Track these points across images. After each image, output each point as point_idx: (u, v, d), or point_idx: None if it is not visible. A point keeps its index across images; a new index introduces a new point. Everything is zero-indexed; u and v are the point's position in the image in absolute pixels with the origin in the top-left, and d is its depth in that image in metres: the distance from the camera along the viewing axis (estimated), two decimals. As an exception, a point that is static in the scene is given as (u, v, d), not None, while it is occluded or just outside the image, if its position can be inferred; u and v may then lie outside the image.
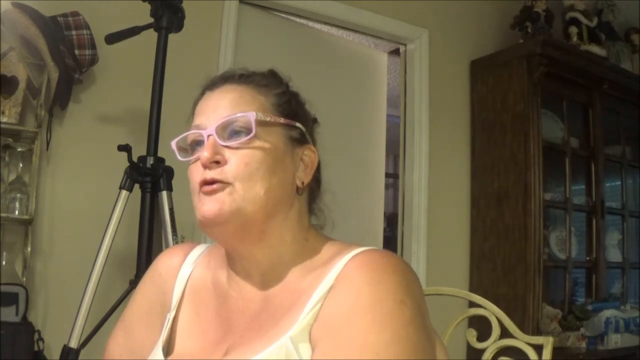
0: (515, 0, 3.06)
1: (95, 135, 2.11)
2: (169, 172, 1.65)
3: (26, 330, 1.76)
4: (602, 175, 3.09)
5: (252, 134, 0.79)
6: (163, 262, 0.95)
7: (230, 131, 0.80)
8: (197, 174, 0.80)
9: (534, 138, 2.75)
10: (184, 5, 1.70)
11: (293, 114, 0.86)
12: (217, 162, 0.79)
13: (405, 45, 2.99)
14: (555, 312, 2.69)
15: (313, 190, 0.89)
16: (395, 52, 3.10)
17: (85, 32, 1.99)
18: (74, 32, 1.98)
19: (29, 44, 1.92)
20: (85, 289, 1.55)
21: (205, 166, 0.79)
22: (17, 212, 1.88)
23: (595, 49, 3.03)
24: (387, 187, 3.69)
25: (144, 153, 1.65)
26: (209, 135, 0.80)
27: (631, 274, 3.23)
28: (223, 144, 0.79)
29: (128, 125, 2.11)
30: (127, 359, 0.92)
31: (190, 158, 0.83)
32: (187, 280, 0.91)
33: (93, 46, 2.00)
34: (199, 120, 0.84)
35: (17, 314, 1.76)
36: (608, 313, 2.77)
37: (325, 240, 0.87)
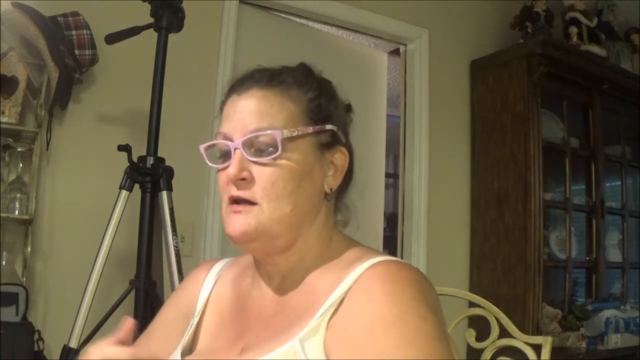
0: (515, 0, 3.06)
1: (95, 135, 2.11)
2: (169, 172, 1.65)
3: (26, 330, 1.76)
4: (602, 175, 3.09)
5: (278, 153, 0.77)
6: (189, 279, 0.98)
7: (257, 146, 0.79)
8: (225, 186, 0.80)
9: (534, 138, 2.75)
10: (184, 5, 1.70)
11: (325, 117, 0.83)
12: (244, 179, 0.78)
13: (405, 45, 2.99)
14: (555, 312, 2.69)
15: (341, 187, 0.87)
16: (395, 52, 3.10)
17: (85, 32, 1.99)
18: (74, 32, 1.98)
19: (29, 44, 1.92)
20: (85, 289, 1.55)
21: (233, 183, 0.79)
22: (17, 212, 1.88)
23: (595, 49, 3.03)
24: (387, 187, 3.70)
25: (144, 153, 1.65)
26: (235, 149, 0.79)
27: (631, 274, 3.22)
28: (250, 159, 0.79)
29: (128, 125, 2.11)
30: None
31: (218, 166, 0.83)
32: (210, 291, 0.93)
33: (93, 46, 2.00)
34: (225, 127, 0.82)
35: (17, 314, 1.76)
36: (608, 313, 2.77)
37: (349, 242, 0.86)
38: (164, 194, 1.63)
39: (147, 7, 1.67)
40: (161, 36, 1.68)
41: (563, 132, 3.00)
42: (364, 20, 2.80)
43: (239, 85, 0.84)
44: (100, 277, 1.56)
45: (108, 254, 1.58)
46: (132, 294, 1.58)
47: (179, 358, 0.84)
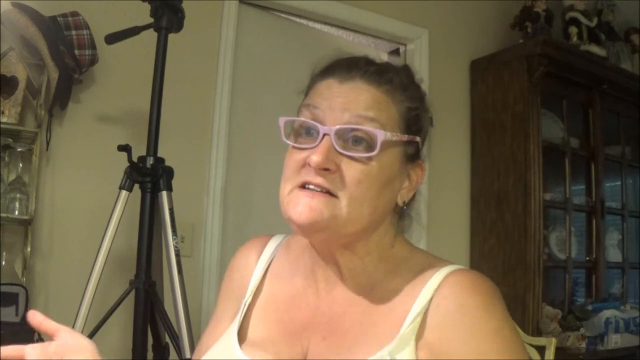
0: (515, 0, 3.06)
1: (95, 136, 2.11)
2: (169, 172, 1.65)
3: (26, 330, 1.75)
4: (602, 176, 3.09)
5: (374, 152, 0.73)
6: (240, 259, 0.92)
7: (350, 138, 0.74)
8: (299, 168, 0.74)
9: (533, 138, 2.75)
10: (184, 5, 1.69)
11: (417, 129, 0.81)
12: (327, 169, 0.72)
13: (405, 45, 2.99)
14: (555, 312, 2.69)
15: (409, 199, 0.84)
16: (395, 52, 3.09)
17: (85, 32, 1.99)
18: (73, 32, 1.97)
19: (28, 44, 1.92)
20: (85, 289, 1.55)
21: (315, 170, 0.72)
22: (16, 212, 1.88)
23: (595, 49, 3.03)
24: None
25: (143, 153, 1.65)
26: (325, 135, 0.73)
27: (631, 274, 3.22)
28: (339, 150, 0.73)
29: (128, 125, 2.11)
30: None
31: (295, 145, 0.76)
32: (265, 272, 0.88)
33: (93, 46, 2.00)
34: (316, 107, 0.76)
35: (17, 314, 1.76)
36: (608, 313, 2.77)
37: (412, 248, 0.84)
38: (164, 194, 1.62)
39: (146, 7, 1.67)
40: (161, 36, 1.67)
41: (563, 132, 3.00)
42: (364, 21, 2.80)
43: (341, 69, 0.79)
44: (100, 277, 1.56)
45: (108, 254, 1.57)
46: (132, 294, 1.58)
47: (235, 339, 0.80)
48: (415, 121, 0.80)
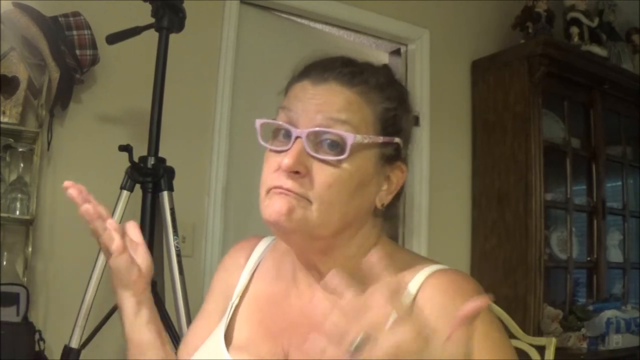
0: (517, 1, 3.06)
1: (96, 136, 2.11)
2: (170, 173, 1.65)
3: (27, 330, 1.76)
4: (603, 176, 3.09)
5: (344, 156, 0.72)
6: (230, 260, 0.94)
7: (322, 141, 0.74)
8: (272, 172, 0.74)
9: (535, 138, 2.75)
10: (185, 5, 1.70)
11: (396, 130, 0.79)
12: (298, 172, 0.73)
13: (406, 45, 2.99)
14: (556, 313, 2.68)
15: (392, 201, 0.83)
16: (396, 53, 3.09)
17: (86, 32, 1.99)
18: (75, 32, 1.97)
19: (29, 44, 1.92)
20: (86, 289, 1.55)
21: (285, 173, 0.73)
22: (18, 212, 1.88)
23: (596, 49, 3.03)
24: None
25: (144, 153, 1.65)
26: (297, 137, 0.74)
27: (632, 274, 3.22)
28: (310, 153, 0.73)
29: (129, 125, 2.11)
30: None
31: (270, 147, 0.77)
32: (252, 273, 0.89)
33: (94, 46, 2.00)
34: (291, 110, 0.76)
35: (18, 314, 1.76)
36: (609, 313, 2.76)
37: (395, 248, 0.84)
38: (165, 194, 1.62)
39: (148, 7, 1.67)
40: (162, 36, 1.68)
41: (564, 132, 2.99)
42: (365, 21, 2.80)
43: (316, 72, 0.79)
44: (101, 277, 1.56)
45: (109, 254, 1.57)
46: (133, 294, 1.58)
47: (222, 341, 0.81)
48: (392, 122, 0.79)
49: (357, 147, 0.74)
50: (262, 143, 0.78)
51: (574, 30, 3.03)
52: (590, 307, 2.81)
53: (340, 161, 0.73)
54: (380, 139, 0.76)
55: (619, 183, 3.28)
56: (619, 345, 2.75)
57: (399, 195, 0.84)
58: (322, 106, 0.74)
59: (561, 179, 2.97)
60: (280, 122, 0.76)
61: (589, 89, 3.05)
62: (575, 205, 2.98)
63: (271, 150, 0.77)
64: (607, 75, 3.04)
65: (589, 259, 3.06)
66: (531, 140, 2.74)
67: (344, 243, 0.78)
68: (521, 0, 3.02)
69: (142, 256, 0.87)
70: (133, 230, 0.90)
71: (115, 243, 0.83)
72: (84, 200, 0.85)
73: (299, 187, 0.73)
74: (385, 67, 0.84)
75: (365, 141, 0.74)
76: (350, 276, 0.78)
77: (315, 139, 0.74)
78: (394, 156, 0.79)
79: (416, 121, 0.86)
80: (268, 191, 0.75)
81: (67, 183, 0.85)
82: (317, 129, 0.73)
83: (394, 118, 0.79)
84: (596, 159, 3.08)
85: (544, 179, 2.74)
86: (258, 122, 0.79)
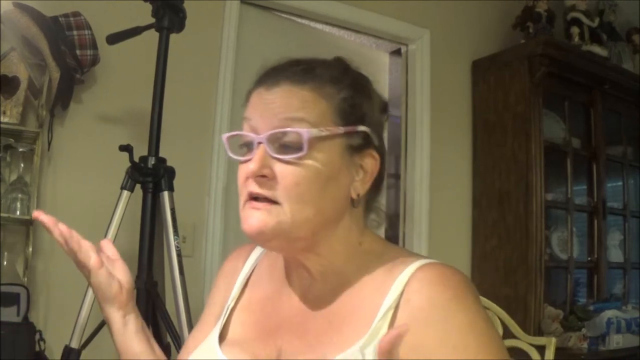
0: (517, 1, 3.06)
1: (97, 136, 2.11)
2: (171, 173, 1.65)
3: (27, 330, 1.75)
4: (603, 176, 3.09)
5: (302, 153, 0.73)
6: (228, 265, 0.96)
7: (282, 143, 0.75)
8: (244, 181, 0.76)
9: (535, 138, 2.75)
10: (186, 5, 1.70)
11: (358, 118, 0.79)
12: (265, 176, 0.74)
13: (406, 45, 2.99)
14: (557, 313, 2.68)
15: (372, 191, 0.83)
16: (396, 53, 3.09)
17: (86, 32, 1.99)
18: (75, 32, 1.98)
19: (30, 44, 1.92)
20: (87, 289, 1.54)
21: (253, 179, 0.75)
22: (18, 212, 1.88)
23: (596, 49, 3.03)
24: (388, 187, 3.69)
25: (145, 153, 1.65)
26: (258, 143, 0.75)
27: (632, 274, 3.22)
28: (273, 156, 0.75)
29: (129, 125, 2.11)
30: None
31: (239, 158, 0.79)
32: (248, 277, 0.91)
33: (94, 46, 2.00)
34: (250, 120, 0.78)
35: (18, 314, 1.76)
36: (609, 313, 2.76)
37: (382, 243, 0.84)
38: (165, 194, 1.62)
39: (148, 7, 1.67)
40: (162, 36, 1.68)
41: (564, 132, 2.99)
42: (365, 21, 2.80)
43: (268, 77, 0.79)
44: (101, 278, 1.56)
45: (109, 254, 1.57)
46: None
47: (216, 341, 0.83)
48: (352, 111, 0.79)
49: (316, 142, 0.75)
50: (232, 156, 0.80)
51: (575, 30, 3.03)
52: (591, 307, 2.81)
53: (301, 158, 0.74)
54: (341, 130, 0.77)
55: (620, 183, 3.28)
56: (620, 345, 2.75)
57: (378, 185, 0.84)
58: (278, 109, 0.76)
59: (562, 179, 2.97)
60: (243, 133, 0.78)
61: (589, 89, 3.05)
62: (575, 205, 2.98)
63: (241, 163, 0.78)
64: (608, 75, 3.04)
65: (589, 259, 3.06)
66: (532, 141, 2.74)
67: (326, 239, 0.79)
68: (521, 0, 3.02)
69: (120, 270, 0.90)
70: (108, 246, 0.93)
71: (93, 259, 0.86)
72: (54, 223, 0.88)
73: (268, 190, 0.74)
74: (338, 59, 0.85)
75: (323, 134, 0.75)
76: (337, 273, 0.80)
77: (276, 141, 0.75)
78: (362, 145, 0.79)
79: (384, 108, 0.86)
80: (244, 202, 0.77)
81: (35, 213, 0.88)
82: (274, 131, 0.75)
83: (354, 107, 0.79)
84: (597, 159, 3.08)
85: (545, 179, 2.74)
86: (225, 137, 0.82)
